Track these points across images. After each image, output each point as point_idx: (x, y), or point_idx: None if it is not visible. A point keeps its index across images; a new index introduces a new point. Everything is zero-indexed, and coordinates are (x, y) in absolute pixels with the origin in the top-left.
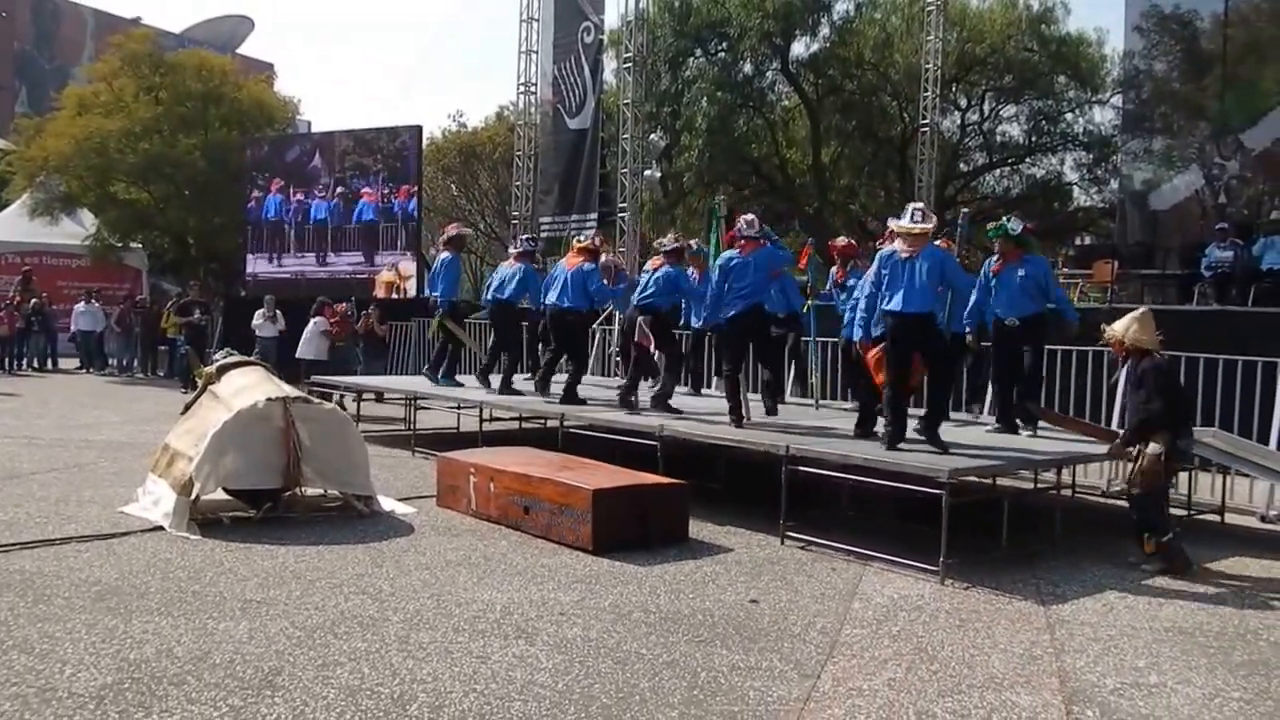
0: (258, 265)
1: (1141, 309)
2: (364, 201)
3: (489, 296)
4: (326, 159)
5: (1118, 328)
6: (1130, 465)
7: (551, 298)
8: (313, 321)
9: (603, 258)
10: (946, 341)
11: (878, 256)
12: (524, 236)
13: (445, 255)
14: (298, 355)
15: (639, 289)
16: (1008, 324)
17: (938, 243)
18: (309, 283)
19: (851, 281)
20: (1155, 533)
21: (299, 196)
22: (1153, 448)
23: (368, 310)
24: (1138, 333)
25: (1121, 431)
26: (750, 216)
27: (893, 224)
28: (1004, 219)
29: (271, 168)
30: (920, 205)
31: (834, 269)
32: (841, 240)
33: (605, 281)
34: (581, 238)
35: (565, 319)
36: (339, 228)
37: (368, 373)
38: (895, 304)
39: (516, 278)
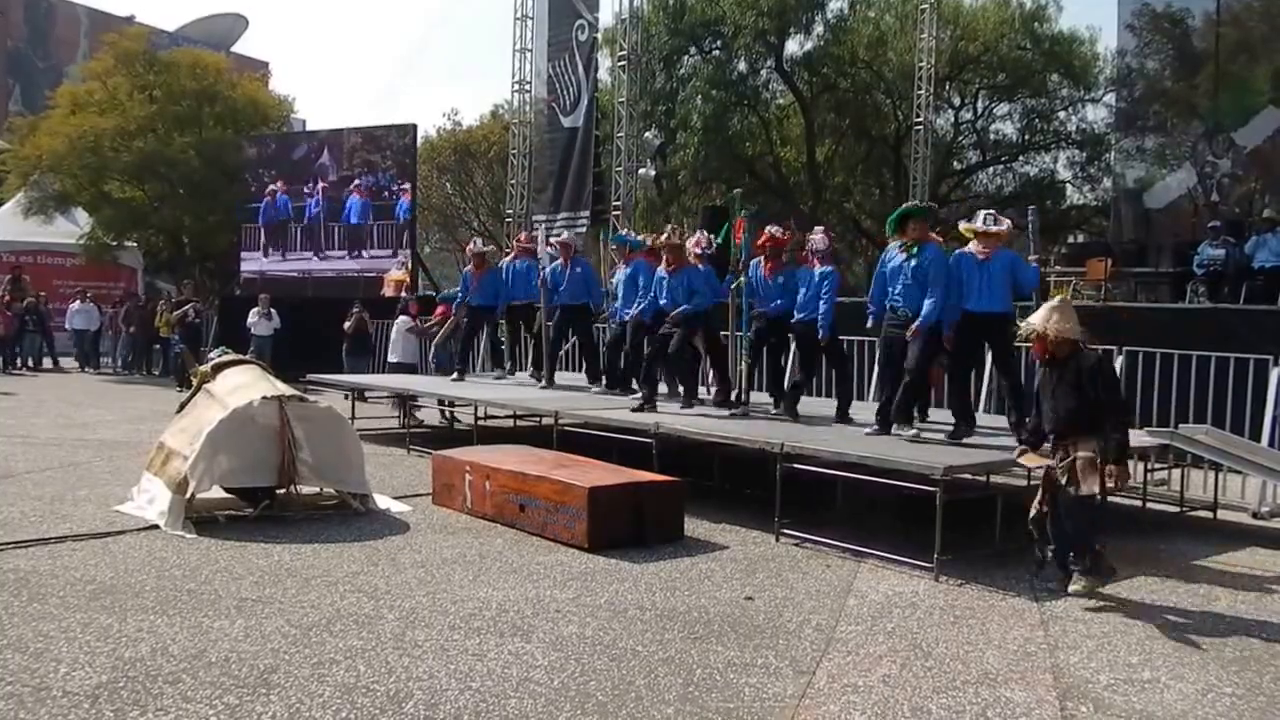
0: (264, 263)
1: (1058, 297)
2: (358, 199)
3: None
4: (335, 157)
5: (1035, 321)
6: (1051, 480)
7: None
8: (398, 321)
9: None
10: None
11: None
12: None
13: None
14: (389, 360)
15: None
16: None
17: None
18: (315, 280)
19: (780, 279)
20: (1088, 548)
21: (309, 187)
22: (1086, 453)
23: (356, 308)
24: (1060, 323)
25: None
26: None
27: (964, 226)
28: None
29: (278, 165)
30: (992, 211)
31: (758, 259)
32: (776, 229)
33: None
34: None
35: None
36: (346, 226)
37: (354, 370)
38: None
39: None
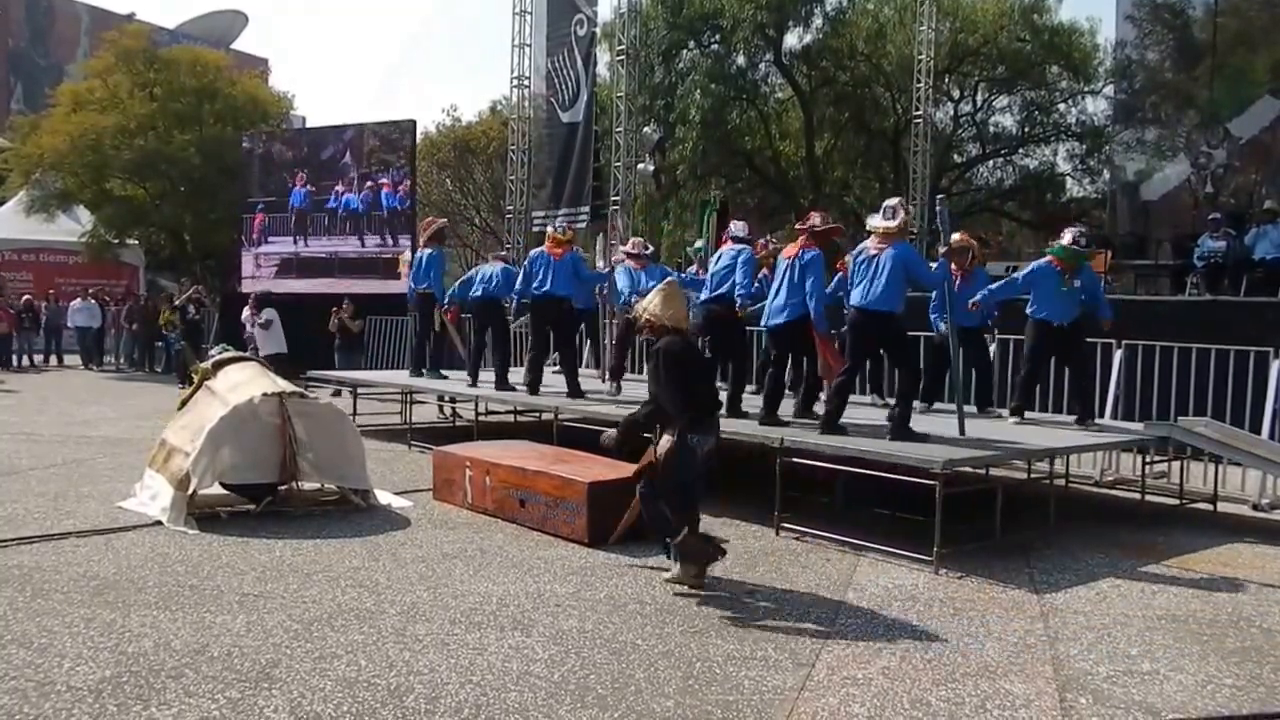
0: (296, 246)
1: (668, 280)
2: (386, 191)
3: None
4: (356, 155)
5: (643, 304)
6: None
7: (546, 286)
8: (267, 314)
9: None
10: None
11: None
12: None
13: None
14: (261, 354)
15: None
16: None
17: (956, 236)
18: (342, 260)
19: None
20: (669, 533)
21: (341, 182)
22: (665, 440)
23: (340, 304)
24: (658, 307)
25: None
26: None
27: (869, 222)
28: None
29: (300, 162)
30: (894, 201)
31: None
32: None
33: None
34: (558, 229)
35: (560, 307)
36: (379, 215)
37: (347, 368)
38: (857, 299)
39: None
